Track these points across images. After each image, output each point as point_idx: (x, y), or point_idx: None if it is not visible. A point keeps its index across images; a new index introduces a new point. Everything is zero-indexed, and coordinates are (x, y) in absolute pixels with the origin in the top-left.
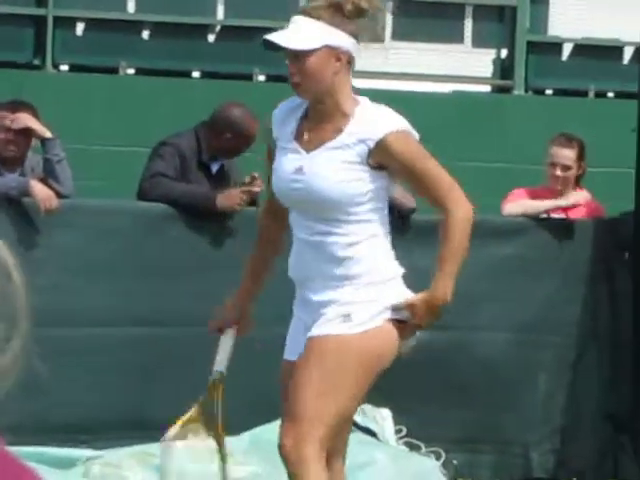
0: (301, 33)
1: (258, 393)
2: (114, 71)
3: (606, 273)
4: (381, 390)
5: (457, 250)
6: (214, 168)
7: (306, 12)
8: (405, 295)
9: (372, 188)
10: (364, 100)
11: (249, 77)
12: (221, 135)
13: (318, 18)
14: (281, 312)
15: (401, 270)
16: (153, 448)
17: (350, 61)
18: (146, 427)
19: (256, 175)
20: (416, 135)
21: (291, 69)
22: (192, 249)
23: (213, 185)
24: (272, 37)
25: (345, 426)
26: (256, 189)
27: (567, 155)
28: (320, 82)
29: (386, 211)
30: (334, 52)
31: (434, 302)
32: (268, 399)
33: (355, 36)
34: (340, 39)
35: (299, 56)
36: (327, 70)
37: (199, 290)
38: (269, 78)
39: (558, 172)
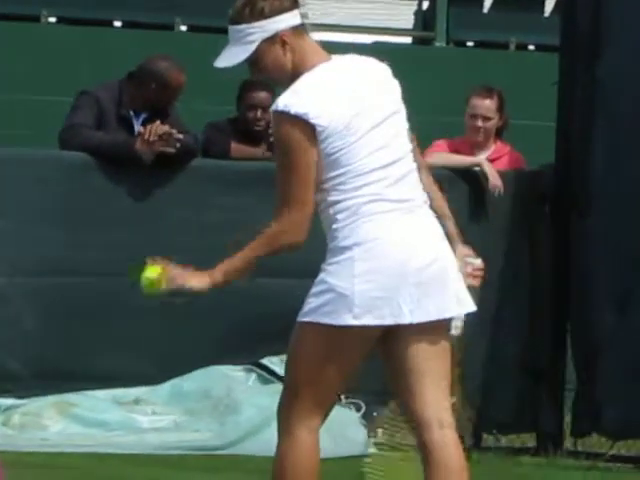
0: (237, 44)
1: (177, 345)
2: (36, 19)
3: (526, 225)
4: None
5: (246, 252)
6: (137, 123)
7: (231, 21)
8: None
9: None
10: (317, 68)
11: (171, 27)
12: (146, 86)
13: (242, 22)
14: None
15: None
16: (73, 398)
17: (297, 30)
18: (66, 377)
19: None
20: (293, 113)
21: (257, 76)
22: (113, 199)
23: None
24: (217, 63)
25: None
26: (176, 136)
27: (487, 106)
28: (282, 71)
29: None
30: (274, 40)
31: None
32: (188, 349)
33: (286, 8)
34: (271, 26)
35: (250, 64)
36: (280, 58)
37: (117, 240)
38: (190, 28)
39: (479, 123)
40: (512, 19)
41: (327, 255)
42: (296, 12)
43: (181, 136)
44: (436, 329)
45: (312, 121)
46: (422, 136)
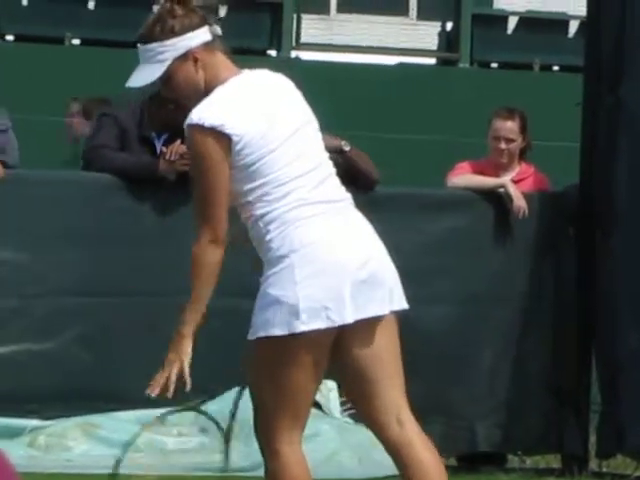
0: (148, 63)
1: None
2: (59, 41)
3: (551, 246)
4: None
5: (192, 295)
6: (158, 144)
7: (142, 39)
8: None
9: None
10: (229, 82)
11: None
12: (165, 107)
13: (152, 40)
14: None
15: None
16: (98, 419)
17: (208, 47)
18: (92, 398)
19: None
20: (207, 125)
21: (167, 94)
22: (135, 219)
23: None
24: (129, 83)
25: None
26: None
27: (509, 127)
28: (195, 89)
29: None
30: (185, 57)
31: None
32: (216, 372)
33: (196, 25)
34: (182, 43)
35: (163, 84)
36: (192, 76)
37: (142, 259)
38: None
39: (502, 145)
40: (536, 40)
41: (265, 268)
42: (206, 28)
43: None
44: (379, 326)
45: (227, 131)
46: (445, 157)
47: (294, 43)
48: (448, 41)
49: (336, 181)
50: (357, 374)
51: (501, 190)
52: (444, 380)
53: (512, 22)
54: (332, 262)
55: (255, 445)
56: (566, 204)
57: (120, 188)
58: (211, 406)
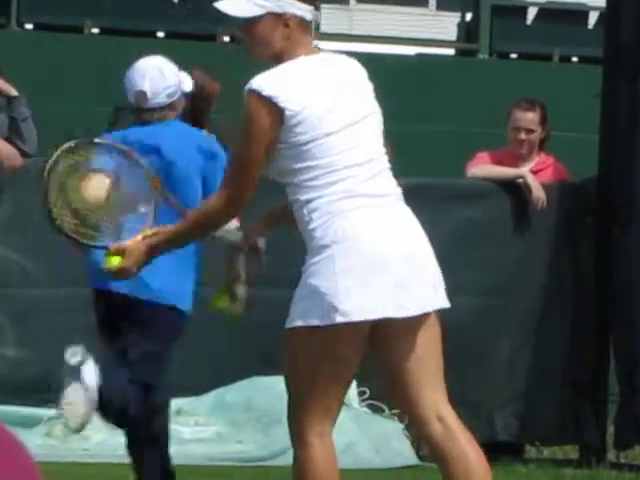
0: (246, 0)
1: (223, 354)
2: (78, 30)
3: (569, 237)
4: None
5: (184, 222)
6: None
7: None
8: None
9: None
10: (300, 58)
11: (212, 37)
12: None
13: None
14: None
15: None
16: None
17: (303, 24)
18: None
19: None
20: (265, 94)
21: (241, 35)
22: None
23: None
24: (218, 4)
25: None
26: None
27: (530, 118)
28: (267, 48)
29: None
30: (280, 18)
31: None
32: (231, 360)
33: (310, 1)
34: (285, 3)
35: (246, 23)
36: (273, 36)
37: None
38: (233, 39)
39: (522, 135)
40: (556, 31)
41: (307, 257)
42: (311, 8)
43: None
44: (421, 323)
45: (282, 104)
46: (464, 147)
47: (313, 33)
48: (467, 32)
49: (389, 176)
50: (397, 370)
51: (520, 180)
52: (463, 371)
53: (531, 13)
54: (374, 256)
55: (272, 435)
56: (585, 195)
57: None
58: (230, 396)
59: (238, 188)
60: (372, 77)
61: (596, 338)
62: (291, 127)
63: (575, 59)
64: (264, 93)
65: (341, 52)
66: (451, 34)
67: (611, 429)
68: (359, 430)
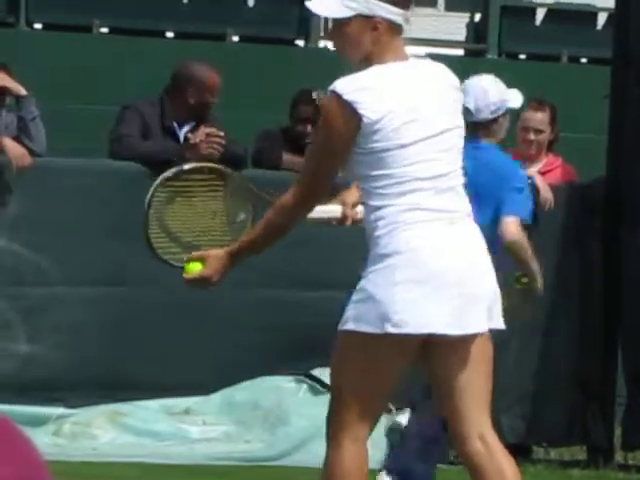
0: (336, 0)
1: (231, 354)
2: (88, 29)
3: (577, 238)
4: None
5: (258, 226)
6: (182, 133)
7: None
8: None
9: None
10: (387, 65)
11: (222, 37)
12: (184, 92)
13: None
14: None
15: None
16: (124, 407)
17: (393, 28)
18: (117, 387)
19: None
20: (345, 97)
21: (331, 37)
22: None
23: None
24: (308, 3)
25: None
26: (220, 140)
27: (539, 119)
28: (356, 50)
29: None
30: (369, 21)
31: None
32: (238, 360)
33: (396, 2)
34: (374, 7)
35: (335, 24)
36: (362, 39)
37: None
38: (243, 39)
39: (531, 136)
40: (564, 32)
41: (367, 263)
42: (402, 12)
43: (224, 140)
44: (473, 342)
45: (361, 111)
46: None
47: (322, 33)
48: (476, 32)
49: (461, 192)
50: (445, 385)
51: (528, 181)
52: None
53: (540, 13)
54: (434, 270)
55: (280, 434)
56: (593, 196)
57: (147, 177)
58: (238, 396)
59: (313, 185)
60: None
61: (604, 339)
62: (367, 134)
63: (584, 60)
64: (345, 97)
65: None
66: (460, 34)
67: (619, 430)
68: None
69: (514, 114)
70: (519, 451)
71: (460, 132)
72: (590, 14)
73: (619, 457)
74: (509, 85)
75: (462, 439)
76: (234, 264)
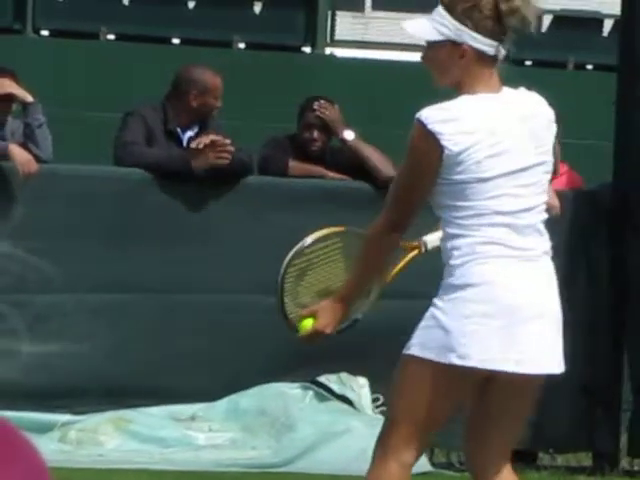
0: (430, 23)
1: (237, 360)
2: (94, 36)
3: (584, 245)
4: (359, 359)
5: (360, 264)
6: (186, 138)
7: (443, 2)
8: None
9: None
10: (478, 95)
11: (228, 44)
12: (186, 95)
13: (451, 11)
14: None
15: None
16: (130, 414)
17: (483, 58)
18: (122, 394)
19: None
20: (429, 127)
21: (424, 57)
22: (169, 215)
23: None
24: (407, 26)
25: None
26: (229, 148)
27: None
28: (444, 75)
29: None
30: (458, 48)
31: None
32: (244, 366)
33: (488, 32)
34: (464, 34)
35: (428, 46)
36: (451, 65)
37: (175, 256)
38: (249, 46)
39: None
40: (570, 38)
41: (440, 290)
42: (495, 44)
43: (232, 147)
44: (528, 384)
45: (443, 143)
46: None
47: (329, 40)
48: None
49: (541, 230)
50: (482, 416)
51: None
52: None
53: (547, 20)
54: (505, 307)
55: (286, 441)
56: (599, 202)
57: (152, 184)
58: (244, 402)
59: (399, 213)
60: (387, 84)
61: (610, 346)
62: (449, 166)
63: (590, 66)
64: (429, 127)
65: (356, 59)
66: None
67: (624, 437)
68: (372, 436)
69: None
70: (525, 457)
71: (546, 168)
72: (596, 21)
73: (625, 463)
74: None
75: (480, 471)
76: (345, 310)
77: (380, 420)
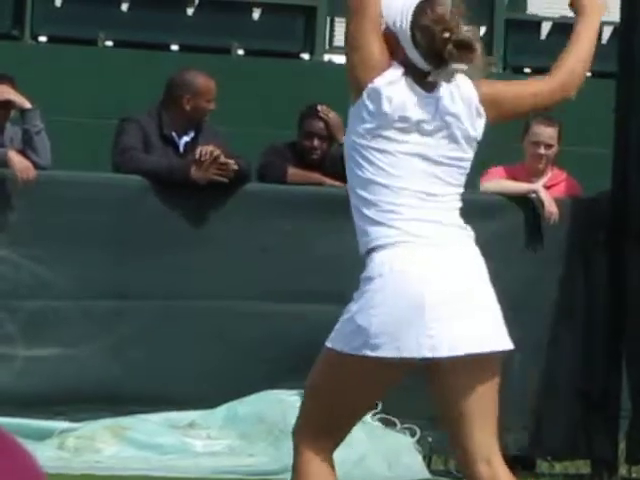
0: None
1: (235, 368)
2: (92, 42)
3: (582, 252)
4: None
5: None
6: (182, 143)
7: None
8: None
9: None
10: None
11: (227, 51)
12: (180, 100)
13: (414, 19)
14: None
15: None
16: (127, 421)
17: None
18: (122, 401)
19: (209, 150)
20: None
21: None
22: (168, 221)
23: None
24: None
25: None
26: (232, 167)
27: (550, 134)
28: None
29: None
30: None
31: None
32: (242, 373)
33: (431, 61)
34: (408, 45)
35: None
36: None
37: (174, 263)
38: (247, 52)
39: (542, 150)
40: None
41: (360, 283)
42: (429, 68)
43: (236, 167)
44: (473, 365)
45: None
46: (479, 162)
47: (327, 46)
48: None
49: (451, 218)
50: (448, 408)
51: (533, 195)
52: None
53: (545, 27)
54: (411, 294)
55: (284, 448)
56: (598, 210)
57: (151, 190)
58: (242, 409)
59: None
60: None
61: (608, 353)
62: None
63: (589, 73)
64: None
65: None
66: None
67: (623, 444)
68: (371, 444)
69: (521, 128)
70: (523, 464)
71: (462, 163)
72: None
73: (623, 470)
74: None
75: (468, 462)
76: None
77: (379, 427)
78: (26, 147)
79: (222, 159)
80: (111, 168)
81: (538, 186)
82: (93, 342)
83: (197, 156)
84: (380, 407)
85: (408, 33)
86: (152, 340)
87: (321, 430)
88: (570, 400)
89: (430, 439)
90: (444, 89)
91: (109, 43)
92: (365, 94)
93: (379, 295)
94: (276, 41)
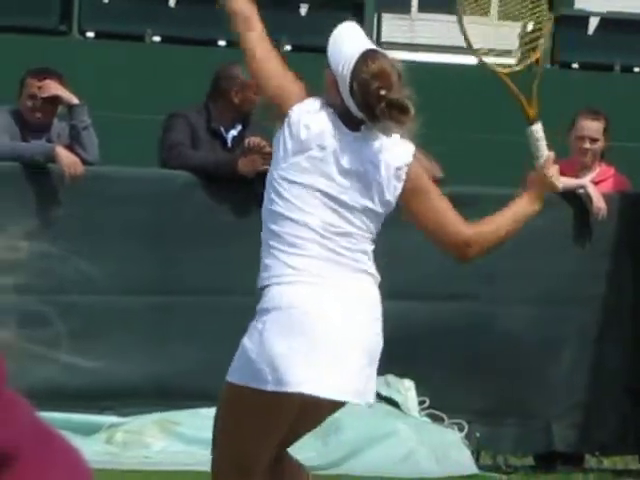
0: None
1: None
2: (140, 38)
3: (630, 248)
4: (405, 361)
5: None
6: (230, 137)
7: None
8: None
9: None
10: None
11: (276, 47)
12: (228, 93)
13: (354, 72)
14: None
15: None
16: (176, 416)
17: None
18: (169, 395)
19: (256, 141)
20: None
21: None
22: (213, 216)
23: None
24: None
25: None
26: (267, 150)
27: (595, 128)
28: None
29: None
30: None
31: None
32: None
33: (364, 113)
34: (346, 94)
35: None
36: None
37: (220, 258)
38: (295, 48)
39: (587, 145)
40: (617, 41)
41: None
42: (361, 116)
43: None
44: (325, 409)
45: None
46: (525, 157)
47: (375, 42)
48: None
49: (354, 257)
50: (286, 437)
51: (581, 191)
52: (522, 380)
53: (593, 23)
54: (306, 331)
55: (331, 444)
56: None
57: (197, 185)
58: None
59: None
60: (434, 86)
61: None
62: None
63: (637, 69)
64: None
65: (402, 61)
66: (512, 44)
67: None
68: (418, 439)
69: (568, 123)
70: (571, 460)
71: (371, 214)
72: None
73: None
74: (562, 94)
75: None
76: None
77: (427, 423)
78: (73, 142)
79: (268, 149)
80: (158, 164)
81: (586, 181)
82: (140, 337)
83: (245, 146)
84: (428, 402)
85: (347, 81)
86: (200, 334)
87: (235, 467)
88: (618, 395)
89: (478, 434)
90: (373, 136)
91: (156, 39)
92: (285, 121)
93: (271, 331)
94: (324, 37)
